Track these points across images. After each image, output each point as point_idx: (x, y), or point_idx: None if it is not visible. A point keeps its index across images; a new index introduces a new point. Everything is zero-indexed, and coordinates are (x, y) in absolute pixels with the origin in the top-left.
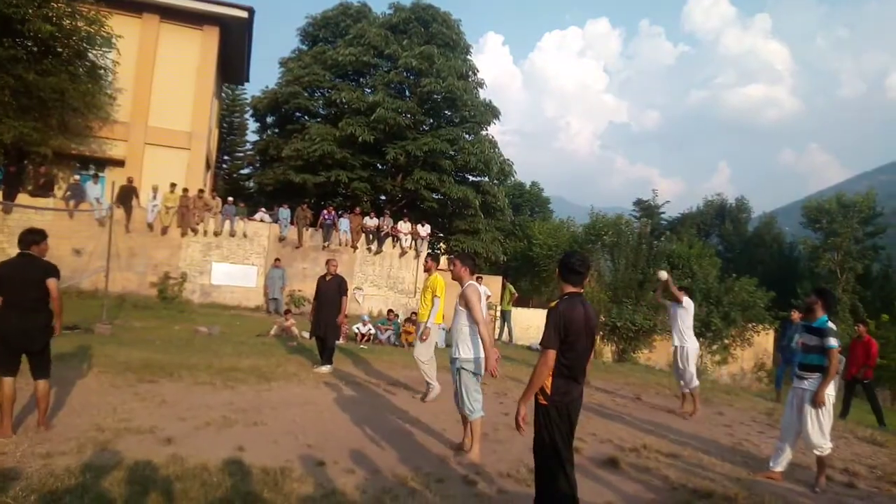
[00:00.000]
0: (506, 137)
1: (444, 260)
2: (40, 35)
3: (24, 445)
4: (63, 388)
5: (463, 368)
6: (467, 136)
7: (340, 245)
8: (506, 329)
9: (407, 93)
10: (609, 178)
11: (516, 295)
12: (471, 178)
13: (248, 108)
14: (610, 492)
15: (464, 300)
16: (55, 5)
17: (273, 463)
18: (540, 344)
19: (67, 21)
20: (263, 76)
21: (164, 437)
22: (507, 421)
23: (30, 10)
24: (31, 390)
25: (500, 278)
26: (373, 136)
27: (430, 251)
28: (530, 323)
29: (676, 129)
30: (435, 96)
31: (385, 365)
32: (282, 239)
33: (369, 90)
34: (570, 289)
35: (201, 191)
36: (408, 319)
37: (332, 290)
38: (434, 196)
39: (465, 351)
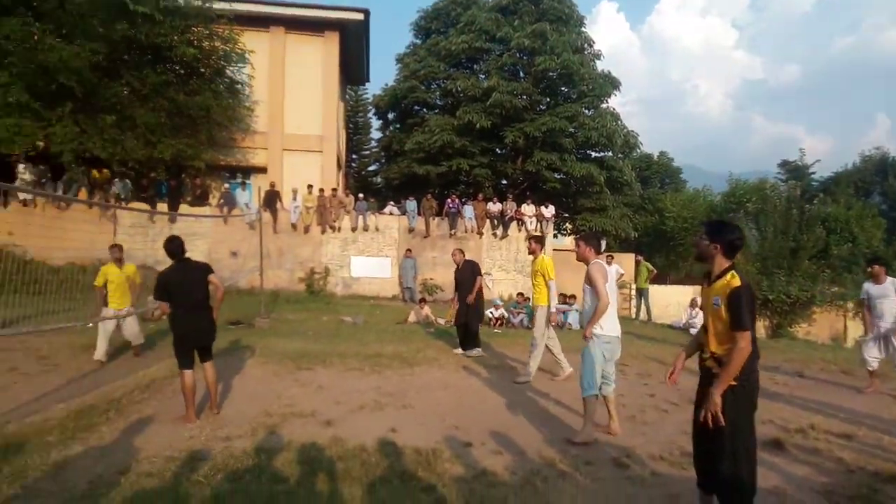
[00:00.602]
0: (628, 108)
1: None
2: (185, 58)
3: (207, 430)
4: (233, 377)
5: (593, 343)
6: (587, 111)
7: (466, 232)
8: (643, 307)
9: (521, 74)
10: (746, 140)
11: (654, 272)
12: (593, 154)
13: (370, 107)
14: (776, 475)
15: (588, 279)
16: (196, 29)
17: (424, 444)
18: (735, 327)
19: (206, 43)
20: (383, 74)
21: (324, 420)
22: (654, 403)
23: (175, 37)
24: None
25: (632, 256)
26: (490, 121)
27: (533, 234)
28: (668, 300)
29: (821, 81)
30: (550, 74)
31: (520, 348)
32: (411, 230)
33: (483, 76)
34: (727, 264)
35: (335, 190)
36: None
37: (466, 276)
38: (556, 176)
39: (602, 326)
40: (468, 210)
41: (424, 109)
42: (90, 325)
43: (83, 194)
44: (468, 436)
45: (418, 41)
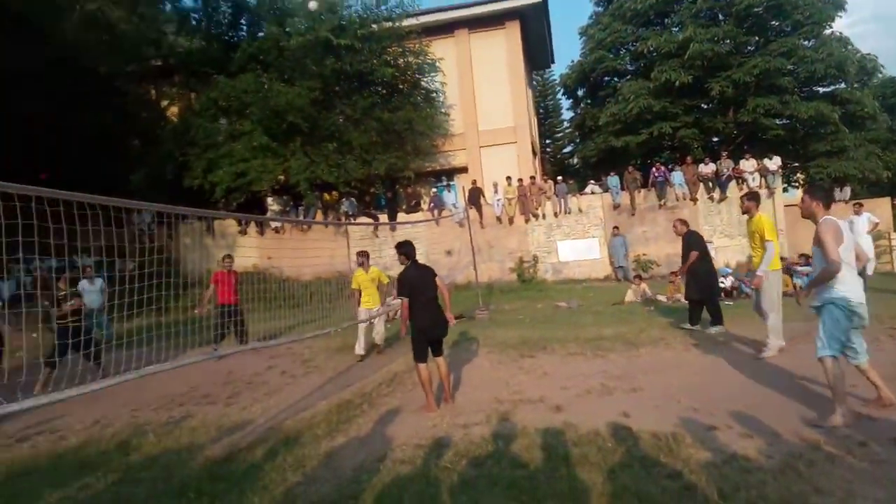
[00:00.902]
0: (858, 29)
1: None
2: (385, 79)
3: (447, 418)
4: (462, 367)
5: (830, 304)
6: (806, 42)
7: (677, 200)
8: None
9: (720, 17)
10: None
11: None
12: (821, 89)
13: (558, 88)
14: None
15: (816, 239)
16: (390, 50)
17: (661, 428)
18: None
19: (401, 60)
20: (568, 53)
21: (553, 406)
22: None
23: (374, 61)
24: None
25: (887, 200)
26: (691, 75)
27: (746, 192)
28: None
29: None
30: (755, 10)
31: (757, 320)
32: (616, 206)
33: (677, 28)
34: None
35: (533, 177)
36: None
37: (687, 251)
38: (777, 122)
39: (830, 291)
40: (677, 176)
41: (615, 78)
42: (342, 328)
43: (319, 216)
44: (710, 418)
45: (600, 9)
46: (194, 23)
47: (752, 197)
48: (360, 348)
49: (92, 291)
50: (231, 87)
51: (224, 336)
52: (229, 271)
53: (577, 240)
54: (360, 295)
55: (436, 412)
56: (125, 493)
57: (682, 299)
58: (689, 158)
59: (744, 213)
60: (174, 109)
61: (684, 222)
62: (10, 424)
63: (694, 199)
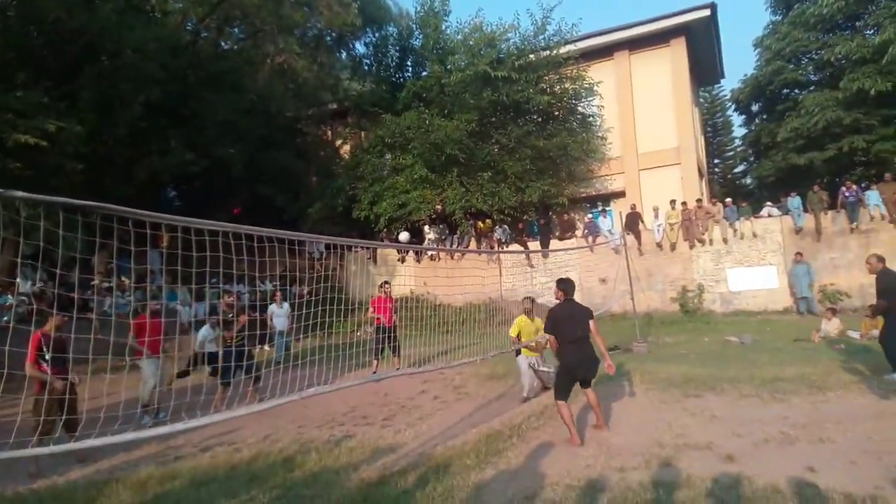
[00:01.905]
0: None
1: None
2: (541, 106)
3: (601, 458)
4: (618, 404)
5: None
6: None
7: (872, 221)
8: None
9: None
10: None
11: None
12: None
13: (728, 104)
14: None
15: None
16: (547, 78)
17: (857, 489)
18: None
19: (558, 87)
20: (739, 66)
21: (723, 454)
22: None
23: (530, 90)
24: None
25: None
26: (890, 82)
27: None
28: None
29: None
30: None
31: None
32: (798, 230)
33: (871, 32)
34: None
35: (699, 200)
36: None
37: (888, 285)
38: None
39: None
40: (873, 195)
41: (796, 90)
42: (489, 356)
43: (472, 244)
44: None
45: (778, 17)
46: (366, 67)
47: None
48: (525, 392)
49: (280, 315)
50: (396, 125)
51: (382, 351)
52: (387, 296)
53: (752, 267)
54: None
55: (581, 445)
56: None
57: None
58: (887, 175)
59: None
60: (346, 147)
61: (881, 259)
62: (195, 434)
63: (894, 221)
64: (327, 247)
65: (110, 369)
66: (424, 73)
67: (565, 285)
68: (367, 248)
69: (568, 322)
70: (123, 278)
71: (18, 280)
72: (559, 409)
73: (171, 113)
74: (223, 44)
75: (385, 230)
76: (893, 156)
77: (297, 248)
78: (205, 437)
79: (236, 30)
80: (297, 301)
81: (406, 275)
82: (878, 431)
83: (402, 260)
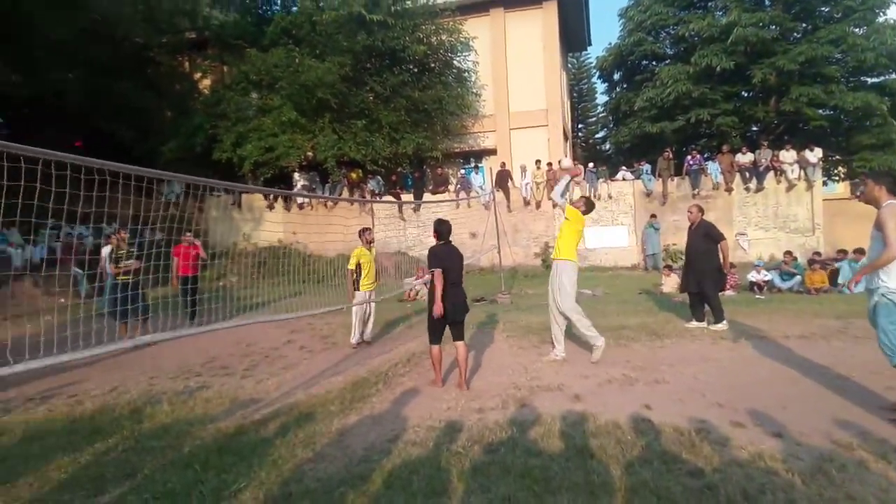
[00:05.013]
0: None
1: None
2: (417, 56)
3: (462, 401)
4: (481, 351)
5: (884, 298)
6: (857, 29)
7: (713, 190)
8: None
9: (767, 2)
10: None
11: None
12: (870, 80)
13: (593, 72)
14: None
15: (878, 223)
16: (423, 27)
17: (684, 423)
18: None
19: (434, 38)
20: (605, 35)
21: (572, 395)
22: None
23: (406, 38)
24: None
25: None
26: (733, 61)
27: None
28: None
29: None
30: None
31: (790, 315)
32: (648, 194)
33: (720, 13)
34: None
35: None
36: (812, 261)
37: (697, 239)
38: (821, 112)
39: (888, 278)
40: (712, 165)
41: (654, 62)
42: (350, 306)
43: (345, 194)
44: (736, 415)
45: None
46: None
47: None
48: (355, 337)
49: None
50: (262, 62)
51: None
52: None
53: (606, 227)
54: (359, 275)
55: (442, 388)
56: (133, 461)
57: (679, 291)
58: (726, 147)
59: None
60: (206, 82)
61: (700, 209)
62: (29, 386)
63: (729, 189)
64: (185, 189)
65: None
66: (295, 9)
67: (441, 226)
68: (230, 191)
69: (449, 262)
70: None
71: None
72: (431, 351)
73: None
74: None
75: (251, 175)
76: (732, 130)
77: (147, 186)
78: (40, 390)
79: None
80: (153, 250)
81: (275, 221)
82: (703, 373)
83: (271, 207)
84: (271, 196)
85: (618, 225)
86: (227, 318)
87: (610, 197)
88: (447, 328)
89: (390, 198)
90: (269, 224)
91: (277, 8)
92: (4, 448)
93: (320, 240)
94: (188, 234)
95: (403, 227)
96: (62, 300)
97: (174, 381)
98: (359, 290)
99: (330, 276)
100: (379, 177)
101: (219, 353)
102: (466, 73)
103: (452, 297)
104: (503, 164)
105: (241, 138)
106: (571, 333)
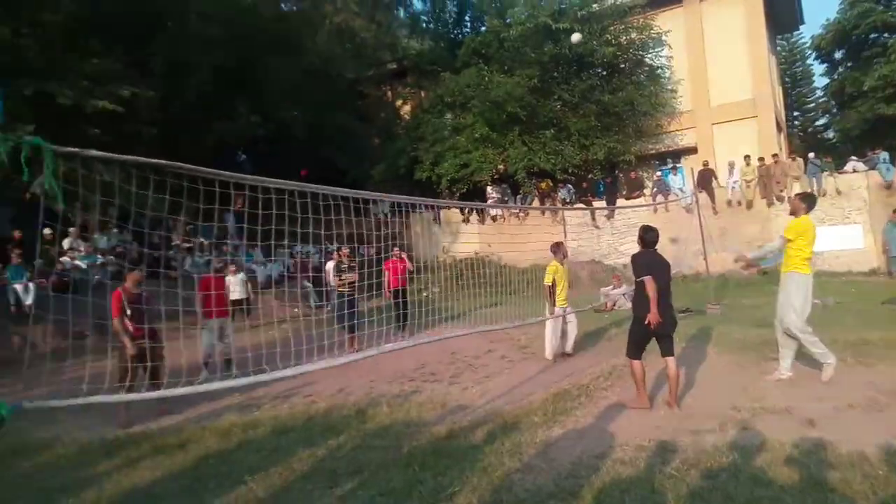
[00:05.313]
0: None
1: None
2: (605, 59)
3: (673, 421)
4: (692, 367)
5: None
6: None
7: None
8: None
9: None
10: None
11: None
12: None
13: (808, 53)
14: None
15: None
16: (612, 28)
17: None
18: None
19: (623, 37)
20: (820, 11)
21: (803, 419)
22: None
23: (594, 42)
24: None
25: None
26: None
27: None
28: None
29: None
30: None
31: None
32: (887, 186)
33: None
34: None
35: (776, 156)
36: None
37: None
38: None
39: None
40: None
41: (885, 34)
42: (554, 317)
43: (536, 204)
44: None
45: None
46: (424, 25)
47: None
48: (549, 352)
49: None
50: (455, 83)
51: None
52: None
53: (835, 226)
54: (554, 290)
55: (650, 408)
56: (360, 458)
57: None
58: None
59: None
60: (406, 108)
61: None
62: (274, 386)
63: None
64: (392, 207)
65: (188, 325)
66: (483, 29)
67: (648, 234)
68: (431, 207)
69: (657, 268)
70: (201, 239)
71: (96, 236)
72: (631, 366)
73: (236, 78)
74: (283, 6)
75: (447, 191)
76: None
77: (362, 206)
78: (282, 390)
79: None
80: (365, 260)
81: (470, 233)
82: None
83: (466, 221)
84: (466, 210)
85: (850, 224)
86: (431, 327)
87: (838, 192)
88: (652, 342)
89: (581, 206)
90: (465, 237)
91: (468, 30)
92: (259, 440)
93: (513, 251)
94: (396, 248)
95: (597, 235)
96: (295, 310)
97: (390, 385)
98: (555, 304)
99: (524, 286)
100: (570, 185)
101: (428, 360)
102: (660, 70)
103: (661, 308)
104: (705, 163)
105: (439, 157)
106: (800, 351)
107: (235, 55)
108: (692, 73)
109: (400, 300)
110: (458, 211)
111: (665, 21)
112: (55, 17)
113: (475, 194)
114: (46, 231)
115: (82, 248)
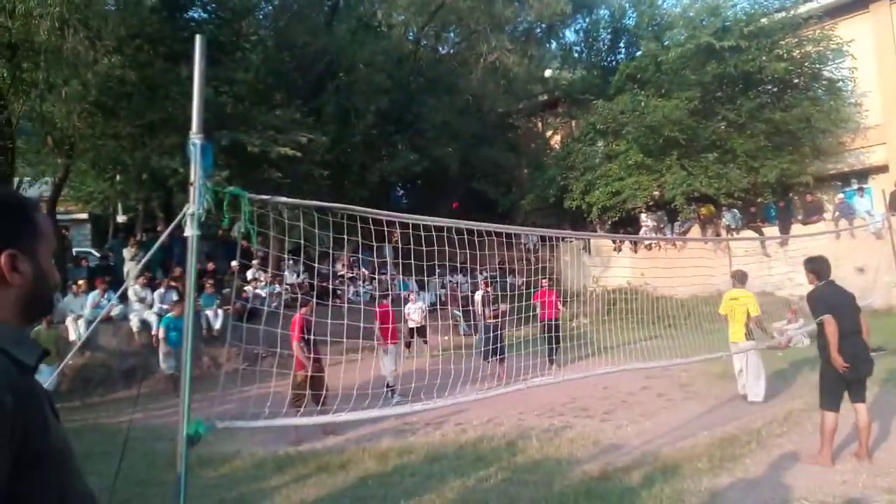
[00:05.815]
0: None
1: None
2: (776, 75)
3: (863, 476)
4: (885, 416)
5: None
6: None
7: None
8: None
9: None
10: None
11: None
12: None
13: None
14: None
15: None
16: (783, 43)
17: None
18: None
19: (796, 51)
20: None
21: None
22: None
23: (762, 58)
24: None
25: None
26: None
27: None
28: None
29: None
30: None
31: None
32: None
33: None
34: None
35: None
36: None
37: None
38: None
39: None
40: None
41: None
42: (729, 355)
43: (695, 231)
44: None
45: None
46: (576, 55)
47: None
48: (741, 387)
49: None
50: (608, 110)
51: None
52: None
53: None
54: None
55: (831, 466)
56: (510, 492)
57: None
58: None
59: None
60: (556, 138)
61: None
62: (427, 413)
63: None
64: (541, 237)
65: (353, 351)
66: (639, 54)
67: (817, 265)
68: (581, 238)
69: (839, 306)
70: (363, 269)
71: (286, 273)
72: (823, 418)
73: (396, 119)
74: (440, 49)
75: (598, 219)
76: None
77: (511, 240)
78: (434, 417)
79: (452, 34)
80: (514, 292)
81: (621, 266)
82: None
83: (618, 249)
84: (618, 240)
85: None
86: (582, 359)
87: None
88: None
89: (750, 233)
90: (616, 268)
91: (622, 57)
92: (413, 465)
93: (671, 283)
94: (544, 281)
95: (768, 264)
96: (445, 337)
97: (540, 418)
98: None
99: (682, 319)
100: (735, 210)
101: (579, 395)
102: (841, 83)
103: (851, 349)
104: None
105: (590, 186)
106: None
107: (396, 99)
108: (882, 84)
109: (553, 334)
110: (608, 240)
111: (848, 29)
112: (246, 76)
113: (628, 222)
114: (233, 263)
115: (262, 279)
